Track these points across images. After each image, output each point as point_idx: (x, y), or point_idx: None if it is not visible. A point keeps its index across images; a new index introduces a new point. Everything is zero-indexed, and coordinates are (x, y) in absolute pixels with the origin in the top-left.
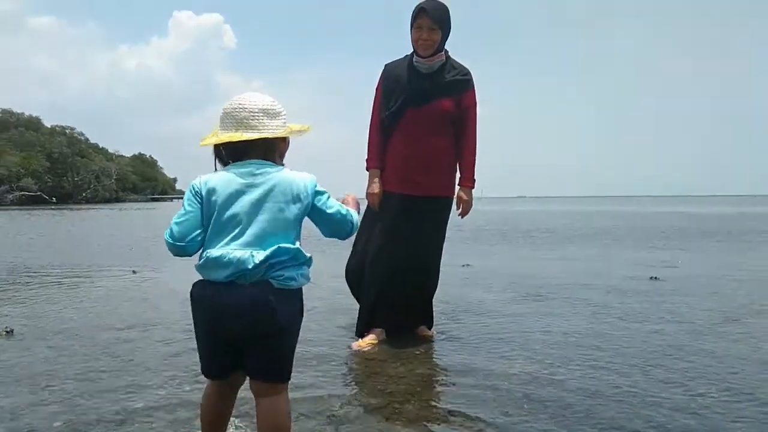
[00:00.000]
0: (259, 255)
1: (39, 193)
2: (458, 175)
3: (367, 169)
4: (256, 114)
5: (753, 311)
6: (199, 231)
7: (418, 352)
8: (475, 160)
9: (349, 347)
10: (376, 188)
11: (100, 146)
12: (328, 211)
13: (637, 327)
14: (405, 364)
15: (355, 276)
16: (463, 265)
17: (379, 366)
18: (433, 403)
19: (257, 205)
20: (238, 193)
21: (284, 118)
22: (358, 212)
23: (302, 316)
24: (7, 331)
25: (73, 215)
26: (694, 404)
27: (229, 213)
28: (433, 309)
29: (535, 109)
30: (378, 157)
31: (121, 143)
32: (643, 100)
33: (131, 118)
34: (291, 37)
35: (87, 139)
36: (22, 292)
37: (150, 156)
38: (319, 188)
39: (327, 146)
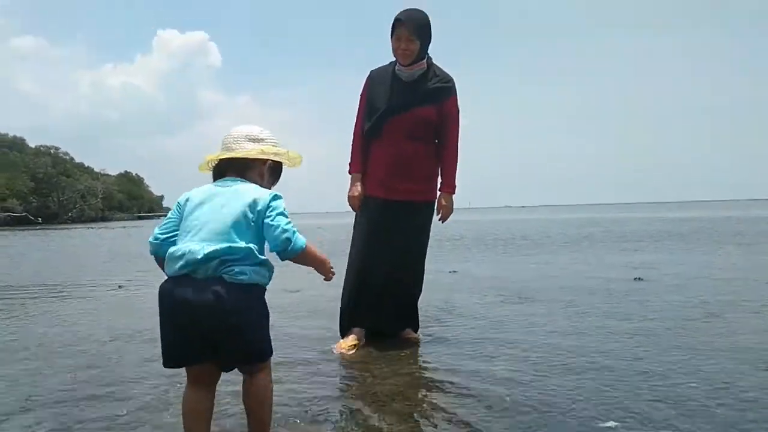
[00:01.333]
0: (210, 247)
1: (24, 214)
2: (440, 180)
3: (350, 173)
4: (239, 139)
5: (733, 307)
6: (174, 233)
7: (403, 354)
8: (456, 166)
9: (332, 349)
10: (356, 191)
11: (86, 165)
12: (268, 220)
13: (619, 325)
14: (390, 365)
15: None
16: (450, 272)
17: (364, 367)
18: (419, 403)
19: (216, 210)
20: (204, 201)
21: (269, 144)
22: (320, 268)
23: (263, 313)
24: None
25: (58, 234)
26: (673, 394)
27: (192, 216)
28: (419, 313)
29: (520, 118)
30: (360, 162)
31: (107, 162)
32: (631, 106)
33: (117, 137)
34: (276, 54)
35: (72, 159)
36: (5, 309)
37: (136, 174)
38: (276, 203)
39: (314, 160)
